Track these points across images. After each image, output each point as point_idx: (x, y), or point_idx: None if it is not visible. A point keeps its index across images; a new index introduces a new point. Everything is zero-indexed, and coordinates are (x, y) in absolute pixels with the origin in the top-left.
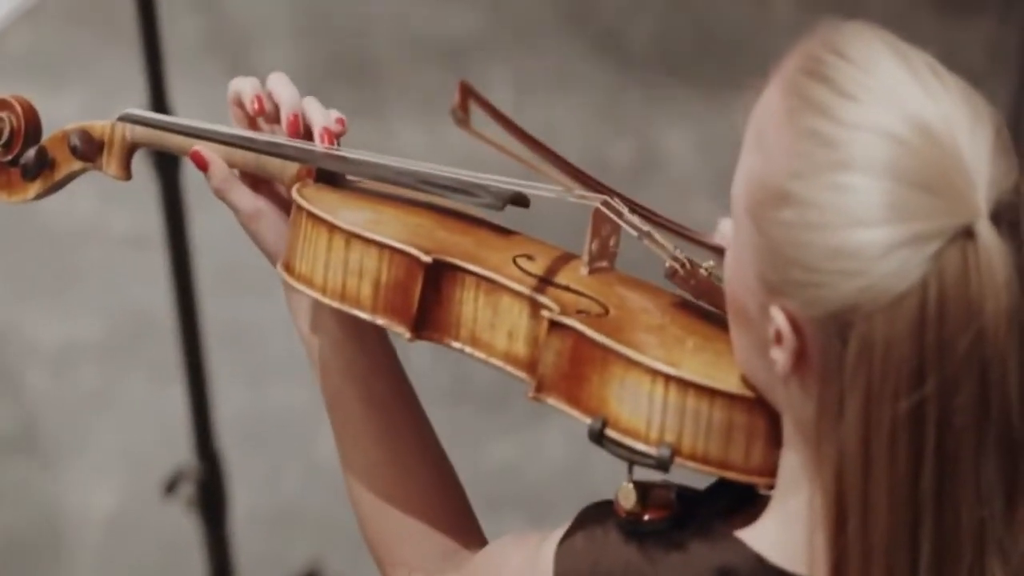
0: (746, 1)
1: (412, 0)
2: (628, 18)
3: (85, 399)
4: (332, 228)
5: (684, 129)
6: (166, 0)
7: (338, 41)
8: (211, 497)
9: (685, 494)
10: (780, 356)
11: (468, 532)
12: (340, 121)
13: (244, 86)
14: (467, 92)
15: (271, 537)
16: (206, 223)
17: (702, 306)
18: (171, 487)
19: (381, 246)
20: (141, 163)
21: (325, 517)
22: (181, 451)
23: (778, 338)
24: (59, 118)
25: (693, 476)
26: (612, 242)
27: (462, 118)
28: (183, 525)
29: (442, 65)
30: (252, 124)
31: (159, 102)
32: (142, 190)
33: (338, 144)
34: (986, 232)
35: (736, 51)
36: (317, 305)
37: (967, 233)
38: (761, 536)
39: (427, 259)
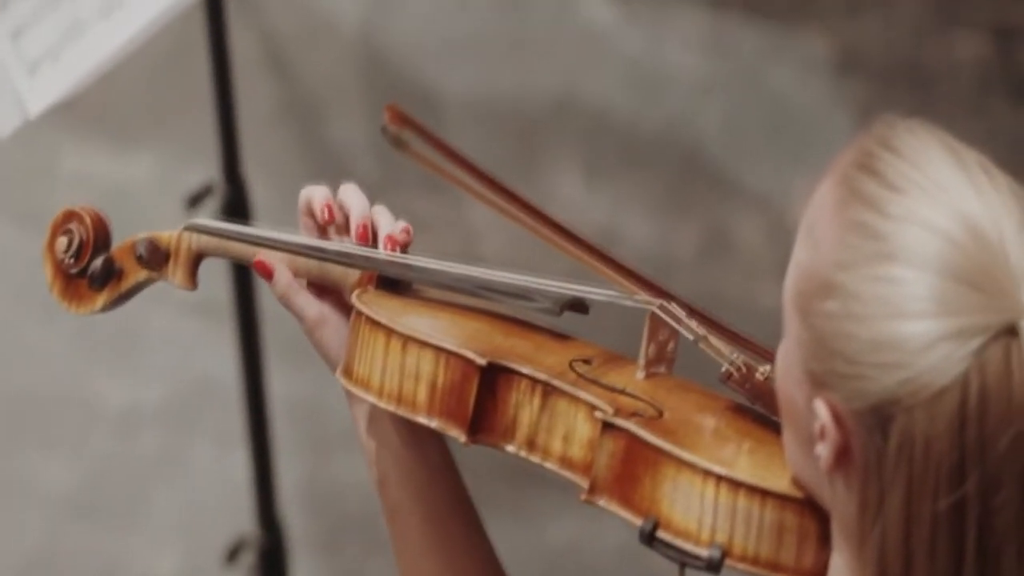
0: (818, 84)
1: (488, 80)
2: (698, 100)
3: (148, 464)
4: (389, 332)
5: (753, 213)
6: (240, 64)
7: (411, 111)
8: (273, 566)
9: None
10: (824, 451)
11: None
12: (406, 231)
13: (315, 194)
14: (397, 114)
15: None
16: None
17: (757, 411)
18: (233, 555)
19: (437, 349)
20: None
21: None
22: (243, 519)
23: (822, 433)
24: (130, 179)
25: None
26: (670, 347)
27: (396, 134)
28: None
29: (513, 140)
30: (321, 232)
31: (231, 168)
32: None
33: (402, 252)
34: None
35: (808, 135)
36: (378, 417)
37: (1011, 331)
38: None
39: (482, 362)
